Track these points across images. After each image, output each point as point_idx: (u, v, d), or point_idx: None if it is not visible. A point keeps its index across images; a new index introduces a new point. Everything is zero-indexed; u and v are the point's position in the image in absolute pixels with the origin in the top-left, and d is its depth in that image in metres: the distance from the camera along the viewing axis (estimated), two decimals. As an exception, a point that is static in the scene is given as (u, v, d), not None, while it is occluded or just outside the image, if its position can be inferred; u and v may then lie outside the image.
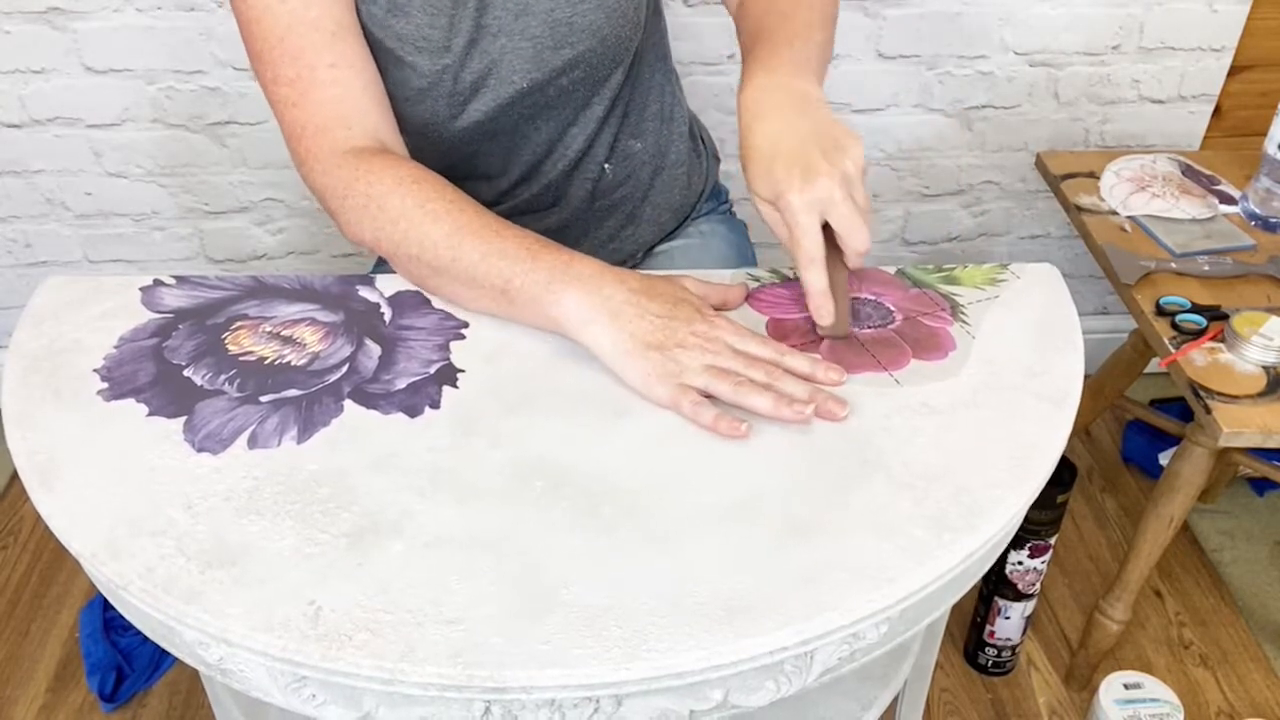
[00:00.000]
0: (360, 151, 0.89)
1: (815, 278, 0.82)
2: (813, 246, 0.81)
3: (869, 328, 0.88)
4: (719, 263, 1.17)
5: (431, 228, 0.85)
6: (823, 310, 0.83)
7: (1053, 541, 1.38)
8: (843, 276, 0.86)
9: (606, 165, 1.09)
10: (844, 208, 0.80)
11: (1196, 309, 1.22)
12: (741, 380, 0.79)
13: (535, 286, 0.82)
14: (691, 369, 0.79)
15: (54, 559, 1.63)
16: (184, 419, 0.77)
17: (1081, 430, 1.89)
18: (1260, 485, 1.80)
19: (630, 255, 1.16)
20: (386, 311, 0.88)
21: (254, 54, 0.91)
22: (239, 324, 0.86)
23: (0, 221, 1.72)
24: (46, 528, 0.71)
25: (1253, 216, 1.37)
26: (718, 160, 1.27)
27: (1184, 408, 1.77)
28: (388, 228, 0.86)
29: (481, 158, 1.05)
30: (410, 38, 0.94)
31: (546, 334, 0.86)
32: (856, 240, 0.81)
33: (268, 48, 0.90)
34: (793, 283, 0.92)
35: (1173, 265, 1.29)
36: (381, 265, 1.18)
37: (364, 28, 0.93)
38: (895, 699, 1.08)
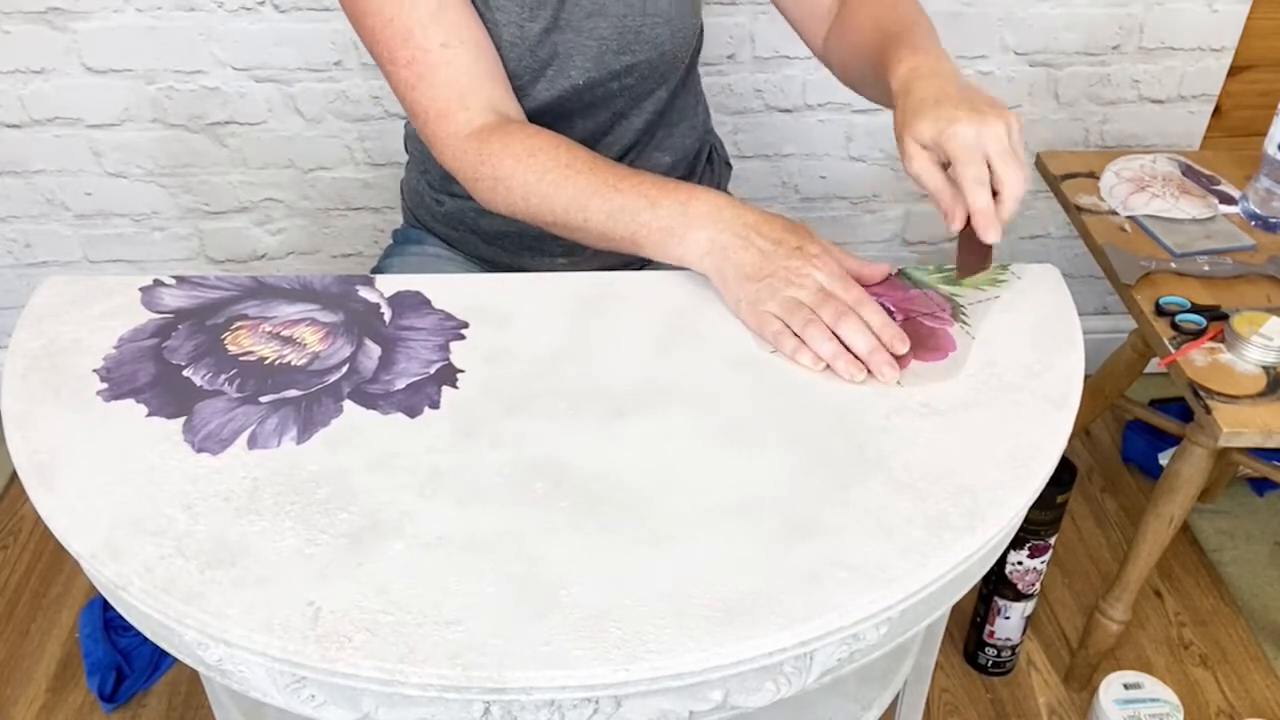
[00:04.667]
0: (479, 132, 0.93)
1: (982, 195, 0.81)
2: (980, 169, 0.81)
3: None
4: None
5: (556, 197, 0.91)
6: (990, 228, 0.82)
7: (1053, 541, 1.38)
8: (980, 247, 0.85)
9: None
10: (1009, 145, 0.81)
11: (1196, 309, 1.22)
12: (813, 319, 0.83)
13: (660, 234, 0.88)
14: (775, 298, 0.84)
15: (54, 559, 1.63)
16: (184, 419, 0.77)
17: (1081, 430, 1.89)
18: (1260, 485, 1.80)
19: (638, 260, 1.17)
20: (386, 312, 0.88)
21: (367, 36, 0.95)
22: (239, 324, 0.86)
23: (0, 221, 1.72)
24: (46, 528, 0.71)
25: (1253, 216, 1.37)
26: (729, 167, 1.28)
27: (1184, 408, 1.77)
28: (519, 203, 0.93)
29: None
30: (499, 5, 0.97)
31: (546, 334, 0.86)
32: (1014, 182, 0.81)
33: (379, 27, 0.93)
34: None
35: (1172, 265, 1.28)
36: (382, 267, 1.19)
37: None
38: (895, 699, 1.08)
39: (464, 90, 0.94)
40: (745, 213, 0.88)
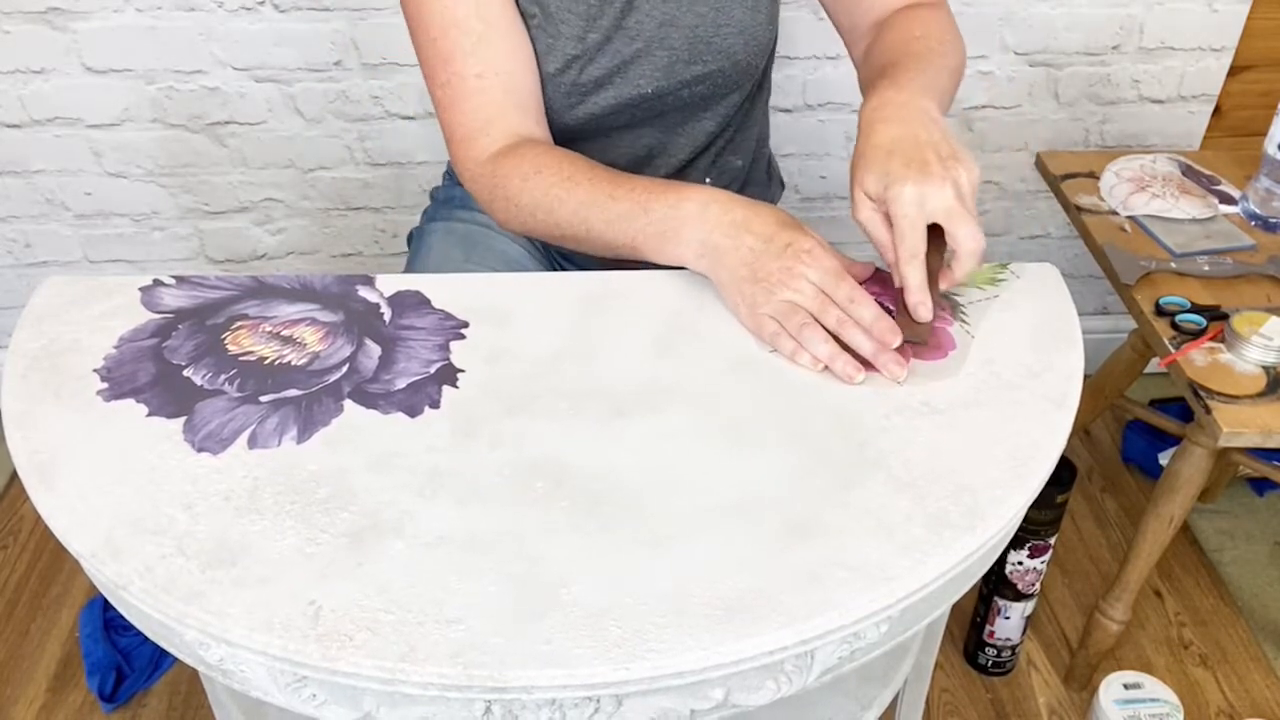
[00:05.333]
0: (494, 156, 0.96)
1: (915, 272, 0.83)
2: (917, 241, 0.82)
3: (869, 328, 0.88)
4: None
5: (560, 211, 0.93)
6: (921, 307, 0.83)
7: (1052, 541, 1.38)
8: (935, 280, 0.85)
9: (708, 179, 1.12)
10: (956, 206, 0.80)
11: (1196, 309, 1.22)
12: (809, 321, 0.83)
13: (655, 239, 0.89)
14: (771, 302, 0.84)
15: (54, 559, 1.63)
16: (184, 419, 0.77)
17: (1081, 430, 1.89)
18: (1260, 485, 1.80)
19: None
20: (386, 311, 0.88)
21: (416, 48, 0.98)
22: (239, 324, 0.86)
23: (0, 221, 1.72)
24: (46, 528, 0.71)
25: (1253, 216, 1.37)
26: (783, 187, 1.29)
27: (1184, 408, 1.77)
28: (530, 221, 0.95)
29: (581, 151, 1.06)
30: (562, 18, 0.98)
31: (547, 334, 0.86)
32: (968, 238, 0.81)
33: (425, 44, 0.97)
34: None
35: (1172, 265, 1.29)
36: (425, 230, 1.18)
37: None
38: (895, 699, 1.08)
39: (490, 119, 0.96)
40: (734, 207, 0.87)
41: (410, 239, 1.21)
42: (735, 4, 1.02)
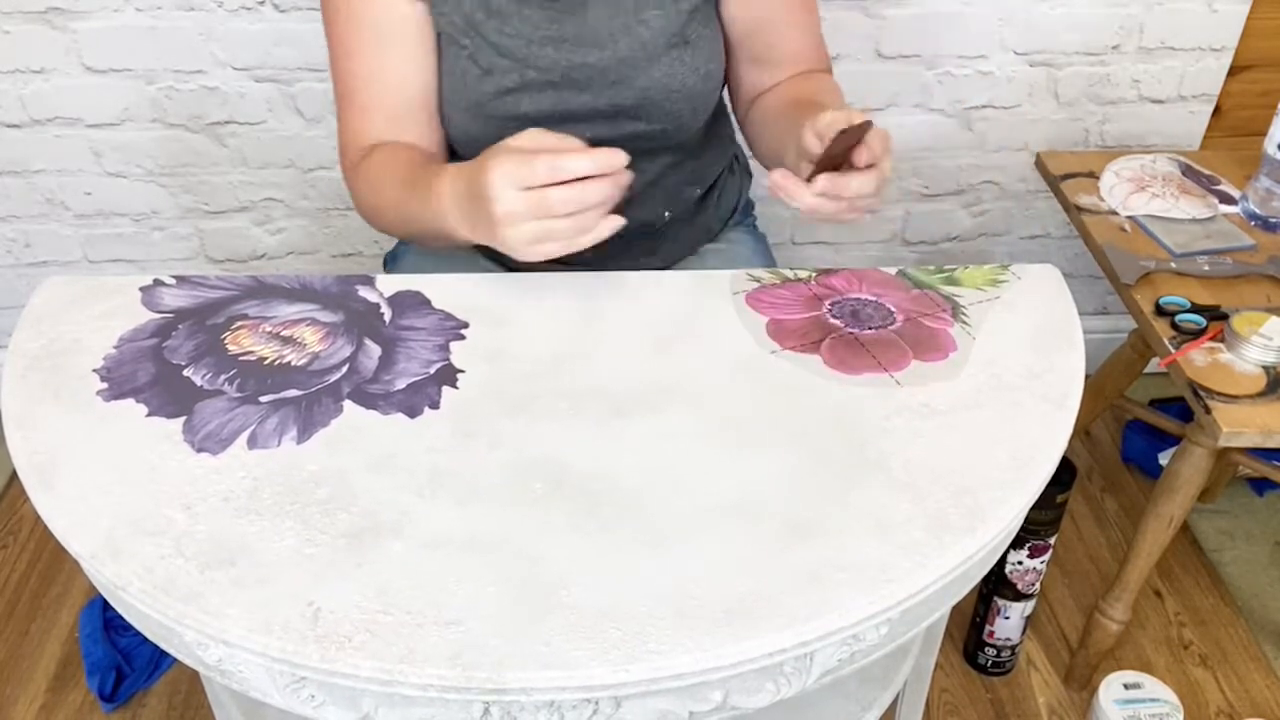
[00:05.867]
0: (355, 165, 1.03)
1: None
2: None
3: (870, 329, 0.88)
4: (743, 265, 1.19)
5: (394, 216, 0.99)
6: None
7: (1052, 541, 1.38)
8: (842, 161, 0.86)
9: (667, 213, 1.13)
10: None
11: (1196, 309, 1.22)
12: (551, 226, 0.82)
13: (450, 231, 0.90)
14: (514, 234, 0.83)
15: (54, 559, 1.63)
16: (184, 419, 0.77)
17: (1081, 430, 1.89)
18: (1260, 485, 1.80)
19: (660, 266, 1.18)
20: (386, 312, 0.88)
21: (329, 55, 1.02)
22: (239, 324, 0.86)
23: (0, 221, 1.72)
24: (46, 528, 0.71)
25: (1253, 216, 1.37)
26: (749, 175, 1.29)
27: (1184, 408, 1.77)
28: (383, 220, 1.02)
29: None
30: (498, 66, 1.00)
31: (547, 334, 0.86)
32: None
33: (330, 52, 1.02)
34: (793, 283, 0.92)
35: (1172, 265, 1.28)
36: (398, 253, 1.19)
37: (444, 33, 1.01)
38: (895, 700, 1.08)
39: (365, 139, 1.02)
40: (459, 183, 0.87)
41: (386, 262, 1.23)
42: (689, 72, 1.02)
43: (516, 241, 0.83)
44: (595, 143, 0.99)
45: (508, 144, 0.84)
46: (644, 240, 1.13)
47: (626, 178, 0.83)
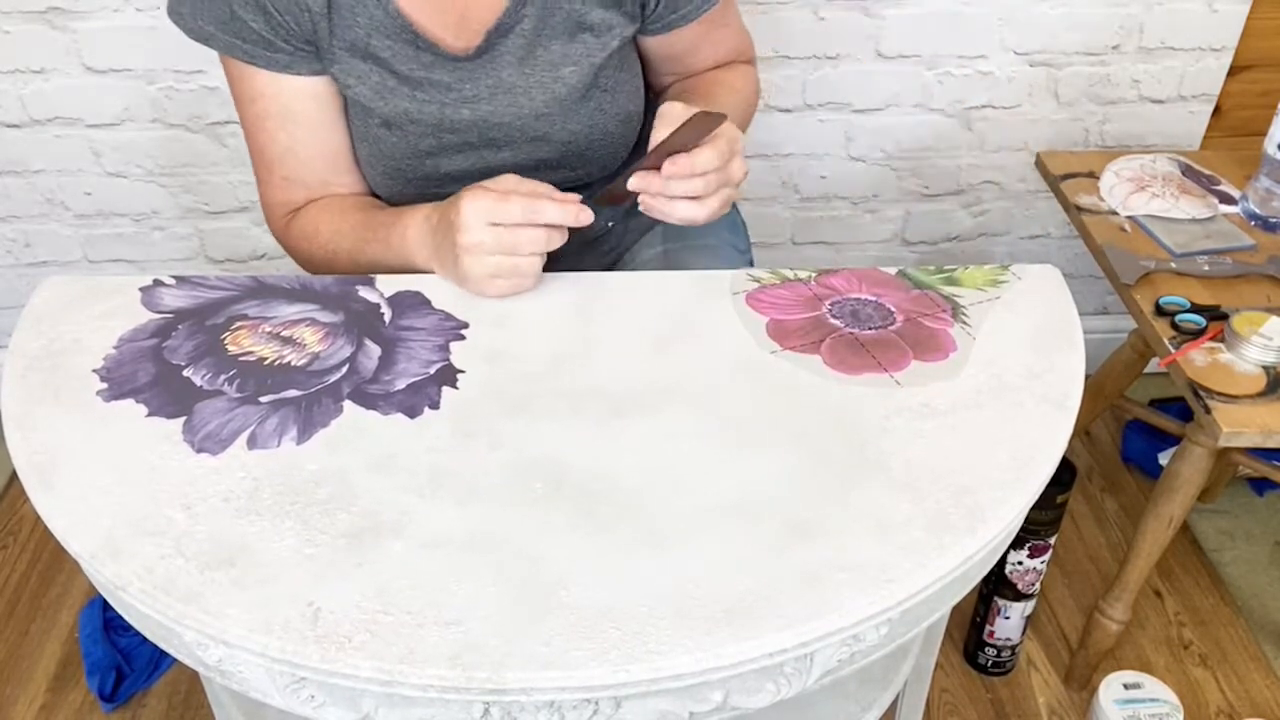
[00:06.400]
0: (288, 221, 1.03)
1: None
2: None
3: (870, 329, 0.88)
4: (710, 227, 1.17)
5: (341, 259, 0.99)
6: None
7: (1052, 541, 1.38)
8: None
9: (610, 222, 1.12)
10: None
11: (1196, 309, 1.22)
12: (510, 270, 0.87)
13: (409, 265, 0.94)
14: (475, 270, 0.87)
15: (54, 559, 1.63)
16: (183, 419, 0.77)
17: (1081, 430, 1.89)
18: (1260, 485, 1.80)
19: (617, 258, 1.18)
20: (386, 312, 0.88)
21: (240, 113, 1.02)
22: (239, 324, 0.86)
23: (0, 221, 1.72)
24: (46, 528, 0.71)
25: (1253, 216, 1.37)
26: None
27: (1184, 408, 1.77)
28: (327, 264, 1.01)
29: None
30: (406, 125, 1.00)
31: (546, 335, 0.86)
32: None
33: (242, 123, 1.01)
34: (793, 283, 0.92)
35: (1172, 265, 1.28)
36: None
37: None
38: (895, 700, 1.08)
39: (291, 202, 1.03)
40: (431, 219, 0.92)
41: None
42: (608, 119, 1.02)
43: (476, 272, 0.87)
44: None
45: (485, 184, 0.87)
46: (594, 244, 1.13)
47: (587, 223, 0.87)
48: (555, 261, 1.12)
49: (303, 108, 0.98)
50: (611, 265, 1.17)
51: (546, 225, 0.86)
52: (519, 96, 0.98)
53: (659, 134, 0.87)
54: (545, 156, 1.02)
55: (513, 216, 0.85)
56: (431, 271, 0.93)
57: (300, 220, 1.02)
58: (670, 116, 0.87)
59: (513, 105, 0.98)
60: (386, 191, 1.04)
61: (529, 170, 1.00)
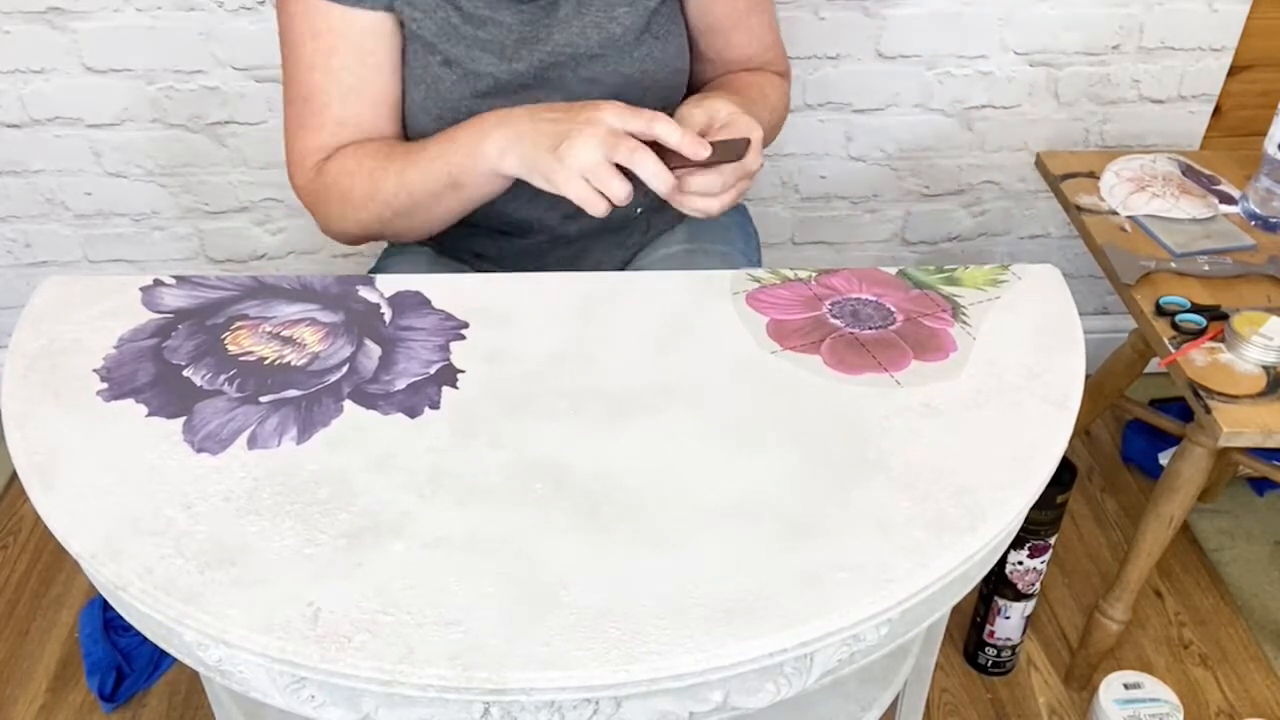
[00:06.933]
0: (319, 165, 1.01)
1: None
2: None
3: (870, 329, 0.88)
4: (722, 232, 1.20)
5: (385, 187, 0.96)
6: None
7: (1052, 541, 1.38)
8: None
9: (639, 208, 1.13)
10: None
11: (1196, 309, 1.22)
12: (603, 175, 0.85)
13: (466, 159, 0.92)
14: (580, 157, 0.85)
15: (54, 559, 1.63)
16: (184, 419, 0.77)
17: (1081, 430, 1.89)
18: (1260, 485, 1.80)
19: (637, 246, 1.19)
20: (386, 312, 0.88)
21: (285, 61, 1.01)
22: (239, 324, 0.86)
23: (0, 221, 1.72)
24: (46, 528, 0.71)
25: (1253, 216, 1.37)
26: None
27: (1184, 408, 1.77)
28: (362, 212, 0.99)
29: None
30: (471, 55, 1.00)
31: (547, 334, 0.86)
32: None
33: (291, 63, 1.00)
34: (793, 283, 0.92)
35: (1173, 265, 1.28)
36: (381, 267, 1.19)
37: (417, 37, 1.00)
38: (895, 700, 1.08)
39: (322, 145, 1.00)
40: (529, 107, 0.91)
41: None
42: (659, 66, 1.04)
43: (580, 157, 0.85)
44: None
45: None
46: (619, 232, 1.14)
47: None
48: (580, 247, 1.12)
49: (373, 46, 0.98)
50: (631, 258, 1.19)
51: (641, 151, 0.85)
52: (574, 36, 1.00)
53: (690, 111, 0.91)
54: (596, 100, 1.02)
55: (642, 122, 0.86)
56: (480, 175, 0.91)
57: (338, 159, 1.00)
58: (691, 121, 0.90)
59: (568, 45, 1.00)
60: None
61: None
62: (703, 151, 0.86)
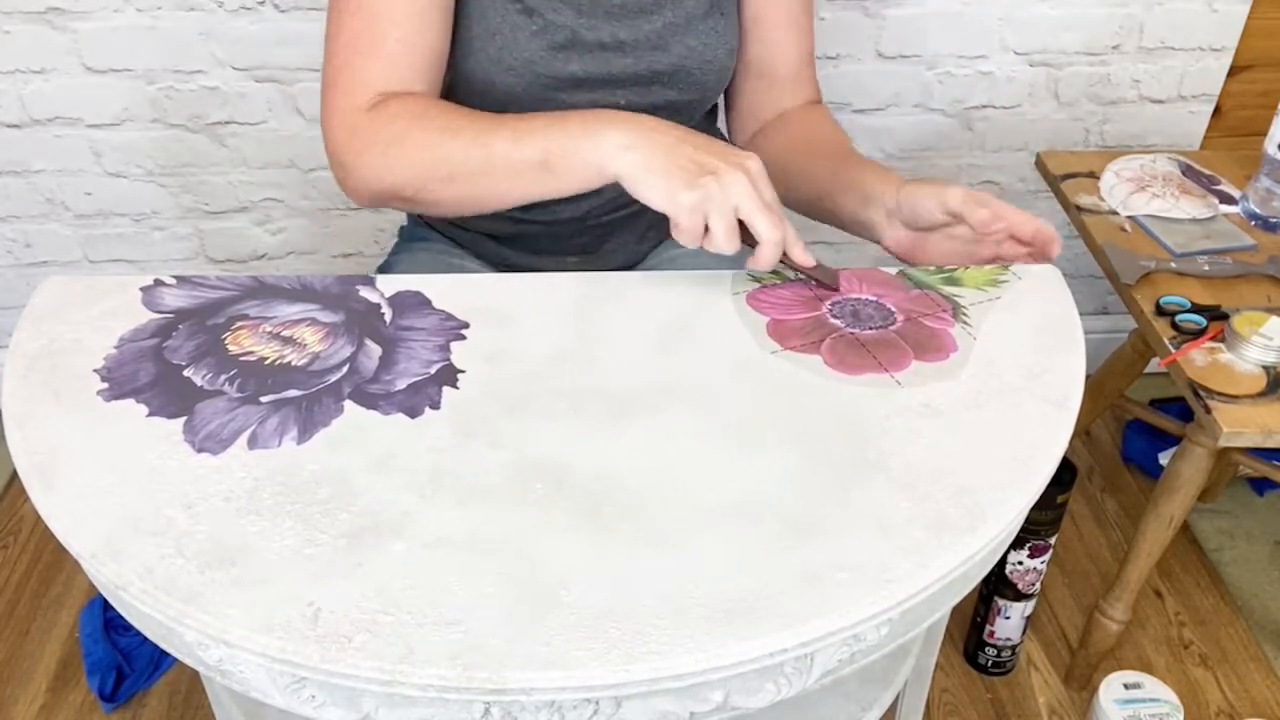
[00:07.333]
0: (375, 106, 0.93)
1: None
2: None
3: (870, 329, 0.88)
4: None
5: (455, 142, 0.89)
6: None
7: (1053, 541, 1.38)
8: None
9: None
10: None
11: (1196, 309, 1.22)
12: (725, 210, 0.84)
13: (572, 140, 0.86)
14: (723, 192, 0.83)
15: (54, 559, 1.63)
16: (184, 419, 0.77)
17: (1081, 430, 1.89)
18: (1260, 485, 1.80)
19: (655, 241, 1.20)
20: (387, 312, 0.88)
21: (330, 8, 0.94)
22: (239, 324, 0.86)
23: (0, 221, 1.72)
24: (46, 528, 0.71)
25: (1253, 216, 1.37)
26: None
27: (1184, 408, 1.77)
28: (416, 162, 0.90)
29: None
30: (525, 41, 0.99)
31: (547, 334, 0.86)
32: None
33: (361, 6, 0.92)
34: (793, 283, 0.92)
35: (1173, 265, 1.28)
36: (389, 264, 1.19)
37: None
38: (895, 700, 1.08)
39: (389, 80, 0.93)
40: (667, 123, 0.88)
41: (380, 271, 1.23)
42: (719, 44, 1.05)
43: (719, 191, 0.83)
44: (626, 107, 1.02)
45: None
46: (636, 216, 1.15)
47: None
48: (598, 235, 1.12)
49: None
50: (649, 251, 1.20)
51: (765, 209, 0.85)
52: (649, 5, 1.01)
53: (928, 208, 0.95)
54: (660, 69, 1.03)
55: (767, 201, 0.85)
56: (581, 164, 0.87)
57: (400, 100, 0.93)
58: (952, 205, 0.94)
59: (643, 13, 1.01)
60: (507, 93, 1.00)
61: (644, 83, 1.03)
62: (808, 261, 0.88)
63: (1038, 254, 0.94)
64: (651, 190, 0.84)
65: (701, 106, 1.10)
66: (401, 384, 0.81)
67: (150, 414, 0.78)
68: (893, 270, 0.94)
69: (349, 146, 0.93)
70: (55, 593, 1.59)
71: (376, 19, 0.92)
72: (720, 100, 1.18)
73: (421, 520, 0.71)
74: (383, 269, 1.20)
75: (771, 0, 1.09)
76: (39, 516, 0.74)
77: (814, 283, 0.91)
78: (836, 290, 0.91)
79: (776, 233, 0.84)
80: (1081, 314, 0.90)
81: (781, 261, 0.88)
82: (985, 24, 1.63)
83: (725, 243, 0.84)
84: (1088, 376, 1.40)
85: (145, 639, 1.06)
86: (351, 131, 0.92)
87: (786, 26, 1.10)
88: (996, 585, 1.42)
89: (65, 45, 1.54)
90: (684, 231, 0.84)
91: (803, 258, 0.88)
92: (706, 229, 0.84)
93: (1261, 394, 1.13)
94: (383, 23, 0.92)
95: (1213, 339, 1.18)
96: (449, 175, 0.90)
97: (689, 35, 1.03)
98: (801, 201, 1.09)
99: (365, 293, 0.90)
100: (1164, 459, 1.78)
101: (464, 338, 0.85)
